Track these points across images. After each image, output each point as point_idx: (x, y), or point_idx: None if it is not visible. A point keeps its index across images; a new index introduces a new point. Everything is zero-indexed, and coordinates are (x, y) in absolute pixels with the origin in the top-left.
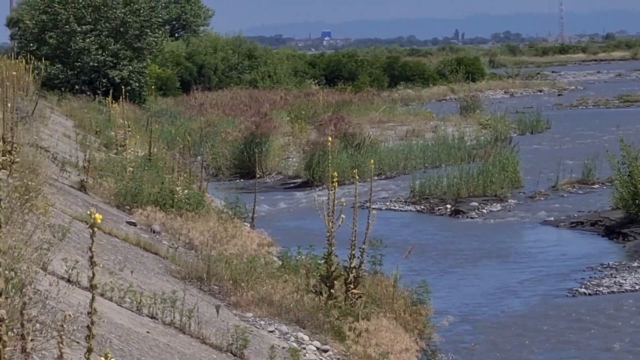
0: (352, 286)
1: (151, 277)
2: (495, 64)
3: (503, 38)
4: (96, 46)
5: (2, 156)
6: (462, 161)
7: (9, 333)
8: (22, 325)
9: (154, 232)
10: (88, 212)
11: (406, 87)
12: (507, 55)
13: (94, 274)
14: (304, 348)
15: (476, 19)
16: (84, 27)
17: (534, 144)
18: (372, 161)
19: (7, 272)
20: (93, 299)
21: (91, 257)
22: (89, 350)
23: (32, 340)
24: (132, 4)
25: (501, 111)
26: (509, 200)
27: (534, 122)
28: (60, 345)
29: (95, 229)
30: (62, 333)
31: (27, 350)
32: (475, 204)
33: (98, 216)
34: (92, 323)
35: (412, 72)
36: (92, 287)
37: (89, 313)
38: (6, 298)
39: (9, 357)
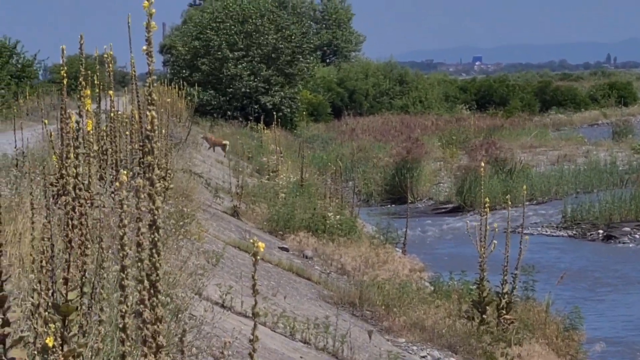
0: (504, 312)
1: (304, 303)
2: None
3: None
4: (248, 72)
5: (157, 182)
6: (615, 186)
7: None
8: (182, 352)
9: (306, 257)
10: (243, 239)
11: (558, 111)
12: None
13: (256, 302)
14: None
15: (629, 43)
16: (236, 53)
17: None
18: (524, 186)
19: (163, 297)
20: (255, 326)
21: (253, 285)
22: None
23: None
24: (283, 30)
25: None
26: None
27: None
28: None
29: (258, 258)
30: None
31: None
32: (628, 229)
33: (261, 245)
34: (254, 350)
35: (564, 96)
36: (254, 315)
37: (250, 340)
38: (164, 324)
39: None
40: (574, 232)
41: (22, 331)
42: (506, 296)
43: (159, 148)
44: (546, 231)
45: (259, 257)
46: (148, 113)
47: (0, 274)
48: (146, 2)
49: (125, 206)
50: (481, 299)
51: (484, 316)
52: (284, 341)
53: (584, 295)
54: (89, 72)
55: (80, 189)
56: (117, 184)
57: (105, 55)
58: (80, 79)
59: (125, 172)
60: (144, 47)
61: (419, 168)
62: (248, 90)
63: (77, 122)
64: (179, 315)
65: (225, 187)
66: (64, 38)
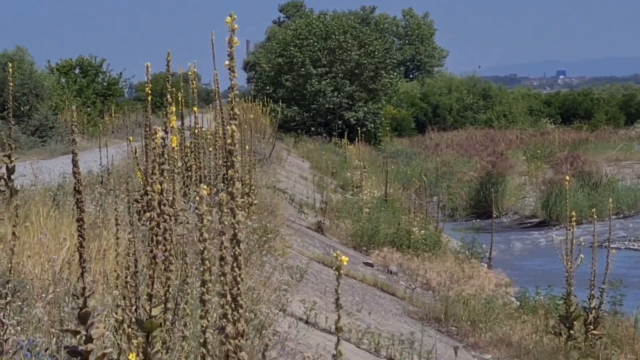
0: (591, 327)
1: (388, 318)
2: None
3: None
4: (332, 88)
5: (241, 198)
6: None
7: None
8: None
9: (390, 272)
10: (328, 254)
11: None
12: None
13: (339, 316)
14: None
15: None
16: (319, 69)
17: None
18: (610, 200)
19: (247, 313)
20: (338, 341)
21: (337, 300)
22: None
23: None
24: (366, 46)
25: None
26: None
27: None
28: None
29: (341, 272)
30: None
31: None
32: None
33: (344, 258)
34: None
35: None
36: (337, 330)
37: (333, 356)
38: (246, 340)
39: None
40: None
41: (105, 347)
42: (594, 311)
43: (242, 163)
44: (634, 245)
45: (342, 272)
46: (229, 127)
47: (84, 290)
48: (229, 18)
49: (205, 220)
50: (568, 314)
51: (572, 332)
52: (368, 357)
53: None
54: (174, 89)
55: (164, 205)
56: (197, 198)
57: (190, 73)
58: (167, 96)
59: (205, 186)
60: (227, 62)
61: (504, 182)
62: (332, 106)
63: (163, 139)
64: (263, 332)
65: (309, 202)
66: (149, 56)
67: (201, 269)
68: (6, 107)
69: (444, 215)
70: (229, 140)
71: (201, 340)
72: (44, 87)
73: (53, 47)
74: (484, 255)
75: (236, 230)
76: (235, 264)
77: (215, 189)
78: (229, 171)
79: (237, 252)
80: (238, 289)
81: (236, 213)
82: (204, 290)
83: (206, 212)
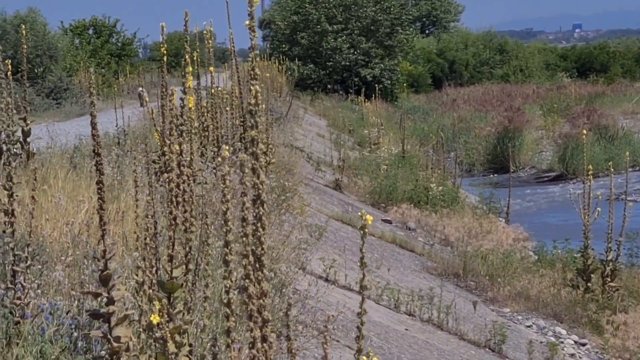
0: (609, 279)
1: (407, 274)
2: None
3: None
4: (347, 45)
5: (261, 156)
6: None
7: (273, 335)
8: (288, 326)
9: (409, 229)
10: (346, 212)
11: None
12: None
13: (364, 275)
14: (562, 342)
15: None
16: (335, 26)
17: None
18: (626, 153)
19: (268, 272)
20: (363, 299)
21: (362, 258)
22: (359, 351)
23: (295, 341)
24: (382, 2)
25: None
26: None
27: None
28: (325, 346)
29: (366, 231)
30: (326, 334)
31: (292, 350)
32: None
33: (369, 217)
34: (362, 324)
35: None
36: (362, 288)
37: (358, 314)
38: (268, 299)
39: (273, 358)
40: None
41: (126, 309)
42: (611, 264)
43: (262, 122)
44: None
45: (367, 231)
46: (252, 87)
47: (104, 253)
48: None
49: (227, 181)
50: (586, 267)
51: (589, 284)
52: (388, 313)
53: None
54: (190, 48)
55: (183, 166)
56: (220, 159)
57: (205, 32)
58: (186, 57)
59: (227, 147)
60: (247, 22)
61: (521, 137)
62: (348, 64)
63: (181, 99)
64: (283, 290)
65: (327, 160)
66: (163, 16)
67: (224, 230)
68: (20, 69)
69: (461, 170)
70: (252, 101)
71: (225, 301)
72: (57, 49)
73: (66, 8)
74: (501, 210)
75: (260, 191)
76: (259, 225)
77: (232, 149)
78: (252, 132)
79: (261, 213)
80: (262, 249)
81: (260, 173)
82: (227, 251)
83: (229, 173)
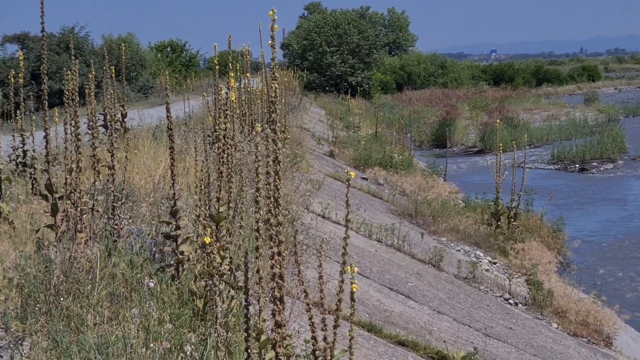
0: (512, 220)
1: (377, 214)
2: (608, 69)
3: (614, 52)
4: (340, 61)
5: (278, 131)
6: (586, 135)
7: (286, 251)
8: (295, 246)
9: (379, 184)
10: (337, 171)
11: (547, 86)
12: (616, 64)
13: (348, 212)
14: (480, 261)
15: (595, 39)
16: (331, 48)
17: (635, 123)
18: (525, 136)
19: (283, 210)
20: (347, 230)
21: (347, 202)
22: (344, 263)
23: (300, 256)
24: (363, 33)
25: (612, 102)
26: (618, 161)
27: (635, 108)
28: (320, 259)
29: (350, 183)
30: (321, 251)
31: (298, 261)
32: (595, 163)
33: (352, 174)
34: (346, 245)
35: (551, 75)
36: (346, 222)
37: (343, 239)
38: (283, 227)
39: (285, 266)
40: (559, 166)
41: (188, 233)
42: (514, 209)
43: (280, 110)
44: (540, 165)
45: (351, 183)
46: (272, 86)
47: (174, 195)
48: (271, 12)
49: (259, 147)
50: (497, 211)
51: (499, 223)
52: (364, 240)
53: (566, 208)
54: (234, 61)
55: (227, 138)
56: (254, 132)
57: (244, 50)
58: (229, 66)
59: (259, 125)
60: (270, 42)
61: (455, 124)
62: (339, 73)
63: (226, 94)
64: (293, 223)
65: (325, 137)
66: (216, 38)
67: (256, 180)
68: (120, 73)
69: (414, 146)
70: (272, 94)
71: (255, 228)
72: (146, 60)
73: (153, 32)
74: (441, 172)
75: (277, 154)
76: (276, 176)
77: (261, 127)
78: (272, 115)
79: (277, 169)
80: (278, 194)
81: (277, 142)
82: (257, 194)
83: (260, 142)
